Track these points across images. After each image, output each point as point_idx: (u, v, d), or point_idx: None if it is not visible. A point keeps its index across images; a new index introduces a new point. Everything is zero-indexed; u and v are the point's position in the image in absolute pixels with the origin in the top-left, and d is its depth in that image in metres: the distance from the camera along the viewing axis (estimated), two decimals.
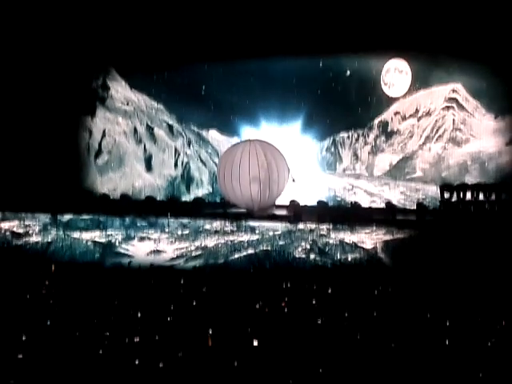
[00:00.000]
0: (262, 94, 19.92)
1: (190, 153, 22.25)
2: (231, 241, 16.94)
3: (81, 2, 17.41)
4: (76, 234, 17.33)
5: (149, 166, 21.35)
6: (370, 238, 16.55)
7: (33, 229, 17.44)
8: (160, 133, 21.96)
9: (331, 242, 16.43)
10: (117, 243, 17.30)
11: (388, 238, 16.20)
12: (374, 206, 18.92)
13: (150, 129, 21.85)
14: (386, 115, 22.37)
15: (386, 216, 15.81)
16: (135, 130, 21.49)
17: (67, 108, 19.39)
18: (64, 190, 17.61)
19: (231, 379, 5.67)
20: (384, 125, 22.47)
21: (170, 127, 22.35)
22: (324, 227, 16.74)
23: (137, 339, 6.64)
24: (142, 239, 17.72)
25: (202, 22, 17.18)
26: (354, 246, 16.23)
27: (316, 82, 19.97)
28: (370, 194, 20.52)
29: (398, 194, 20.31)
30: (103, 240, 17.38)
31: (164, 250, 17.10)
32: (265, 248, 16.24)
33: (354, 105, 20.46)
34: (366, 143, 22.65)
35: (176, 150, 21.91)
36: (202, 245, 17.07)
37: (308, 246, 16.25)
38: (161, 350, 6.33)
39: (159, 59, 18.78)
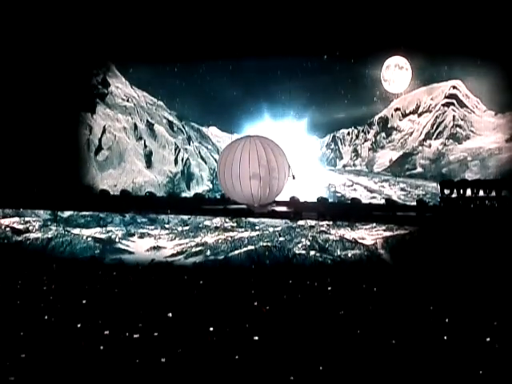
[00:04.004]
0: (262, 90, 19.90)
1: (190, 149, 22.25)
2: (231, 237, 16.98)
3: None
4: (76, 231, 17.35)
5: (149, 163, 21.35)
6: (370, 235, 16.58)
7: (33, 225, 17.46)
8: (160, 129, 21.95)
9: (331, 238, 16.45)
10: (117, 239, 17.33)
11: (388, 234, 16.22)
12: (374, 202, 18.91)
13: (150, 125, 21.84)
14: (387, 111, 22.37)
15: (386, 212, 15.79)
16: (135, 126, 21.48)
17: (67, 104, 19.37)
18: (64, 186, 17.60)
19: (231, 376, 5.68)
20: (384, 121, 22.47)
21: (170, 123, 22.35)
22: (324, 223, 16.76)
23: (137, 335, 6.65)
24: (142, 235, 17.76)
25: (202, 18, 17.14)
26: (354, 243, 16.25)
27: (316, 78, 19.93)
28: (370, 191, 20.52)
29: (398, 191, 20.31)
30: (103, 236, 17.41)
31: (164, 246, 17.13)
32: (265, 244, 16.26)
33: (355, 101, 20.42)
34: (366, 139, 22.64)
35: (176, 146, 21.91)
36: (202, 241, 17.10)
37: (308, 243, 16.27)
38: (161, 346, 6.34)
39: (159, 55, 18.74)
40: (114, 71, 21.43)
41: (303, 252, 15.98)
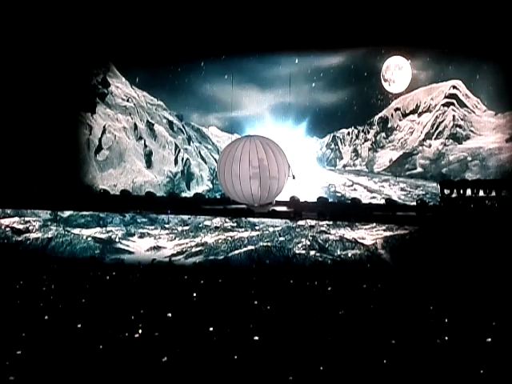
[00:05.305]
0: (262, 89, 19.93)
1: (190, 149, 22.25)
2: (231, 237, 16.96)
3: None
4: (76, 231, 17.34)
5: (149, 163, 21.35)
6: (370, 235, 16.56)
7: (33, 225, 17.46)
8: (160, 129, 21.95)
9: (331, 238, 16.43)
10: (117, 239, 17.31)
11: (388, 234, 16.21)
12: (374, 202, 18.92)
13: (150, 125, 21.84)
14: (387, 111, 22.34)
15: (386, 212, 15.81)
16: (135, 126, 21.48)
17: (67, 104, 19.39)
18: (64, 186, 17.62)
19: (231, 376, 5.68)
20: (384, 121, 22.45)
21: (170, 123, 22.34)
22: (324, 223, 16.74)
23: (137, 335, 6.65)
24: (142, 235, 17.74)
25: (202, 18, 17.15)
26: (354, 243, 16.23)
27: (316, 78, 19.95)
28: (370, 191, 20.52)
29: (398, 191, 20.31)
30: (103, 236, 17.40)
31: (164, 246, 17.13)
32: (265, 244, 16.25)
33: (355, 101, 20.42)
34: (366, 139, 22.62)
35: (176, 146, 21.91)
36: (202, 241, 17.09)
37: (308, 243, 16.25)
38: (160, 346, 6.34)
39: (159, 55, 18.76)
40: (114, 71, 21.43)
41: (303, 252, 15.96)
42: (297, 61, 19.49)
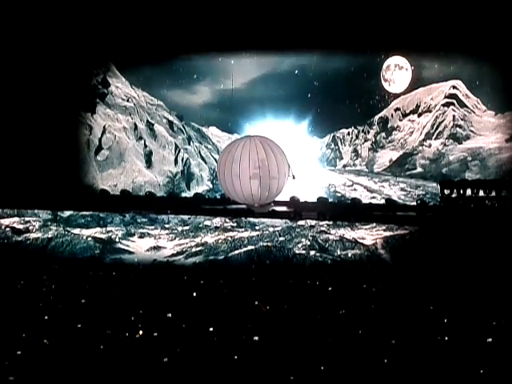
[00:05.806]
0: (262, 89, 19.93)
1: (190, 149, 22.25)
2: (231, 237, 16.97)
3: None
4: (76, 231, 17.35)
5: (149, 163, 21.34)
6: (370, 235, 16.58)
7: (33, 225, 17.46)
8: (160, 129, 21.96)
9: (331, 238, 16.45)
10: (117, 239, 17.32)
11: (388, 234, 16.22)
12: (374, 202, 18.92)
13: (150, 125, 21.84)
14: (387, 111, 22.39)
15: (386, 212, 15.79)
16: (135, 126, 21.48)
17: (67, 104, 19.37)
18: (64, 186, 17.59)
19: (231, 376, 5.68)
20: (384, 121, 22.49)
21: (170, 123, 22.35)
22: (324, 223, 16.75)
23: (137, 335, 6.65)
24: (142, 235, 17.76)
25: (202, 16, 17.13)
26: (354, 243, 16.25)
27: (316, 78, 19.96)
28: (371, 191, 20.53)
29: (398, 191, 20.32)
30: (103, 236, 17.41)
31: (164, 246, 17.14)
32: (265, 244, 16.26)
33: (355, 101, 20.43)
34: (366, 139, 22.66)
35: (176, 146, 21.91)
36: (202, 241, 17.10)
37: (308, 243, 16.27)
38: (161, 346, 6.34)
39: (159, 55, 18.75)
40: (114, 71, 21.44)
41: (303, 252, 15.98)
42: (298, 60, 19.52)
